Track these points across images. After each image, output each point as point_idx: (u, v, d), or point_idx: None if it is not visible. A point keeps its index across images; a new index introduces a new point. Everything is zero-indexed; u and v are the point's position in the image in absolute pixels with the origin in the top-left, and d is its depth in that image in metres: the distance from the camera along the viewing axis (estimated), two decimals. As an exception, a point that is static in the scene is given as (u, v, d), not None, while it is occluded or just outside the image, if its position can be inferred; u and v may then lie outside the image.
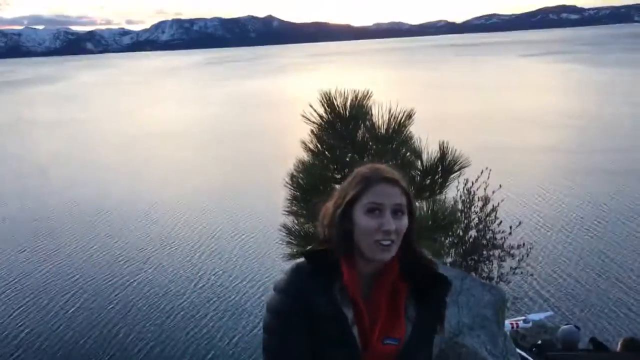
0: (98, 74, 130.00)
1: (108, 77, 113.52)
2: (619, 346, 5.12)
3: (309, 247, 1.54)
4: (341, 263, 1.47)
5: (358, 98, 5.63)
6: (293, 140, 6.01)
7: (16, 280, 14.45)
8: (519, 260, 6.27)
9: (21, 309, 12.79)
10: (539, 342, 5.56)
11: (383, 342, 1.46)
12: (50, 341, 11.30)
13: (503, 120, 34.32)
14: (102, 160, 29.35)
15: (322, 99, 5.62)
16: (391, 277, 1.50)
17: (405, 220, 1.46)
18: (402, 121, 5.46)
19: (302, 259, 1.53)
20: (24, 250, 16.60)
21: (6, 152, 33.40)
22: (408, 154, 5.60)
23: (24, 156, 31.83)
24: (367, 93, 5.67)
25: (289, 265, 1.52)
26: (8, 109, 58.16)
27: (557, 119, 33.99)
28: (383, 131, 5.56)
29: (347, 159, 5.80)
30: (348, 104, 5.60)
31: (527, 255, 6.40)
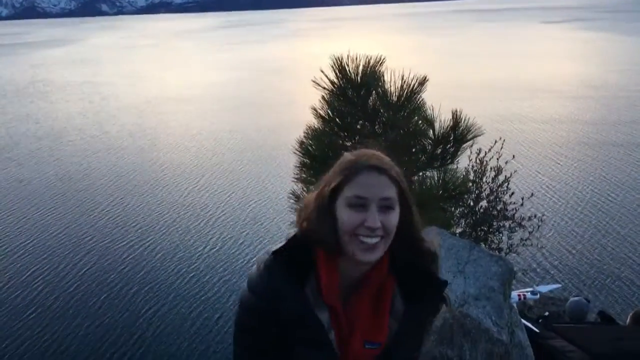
0: (112, 37, 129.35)
1: (122, 40, 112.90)
2: (628, 319, 5.07)
3: (280, 244, 1.38)
4: (319, 264, 1.32)
5: (370, 64, 5.50)
6: (305, 106, 5.93)
7: (28, 240, 14.79)
8: (529, 232, 6.22)
9: (34, 267, 13.14)
10: (546, 313, 5.56)
11: (364, 346, 1.34)
12: (60, 301, 11.60)
13: (519, 90, 33.58)
14: (115, 124, 29.50)
15: (334, 64, 5.50)
16: (379, 278, 1.34)
17: (394, 216, 1.28)
18: (414, 88, 5.33)
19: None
20: (38, 212, 16.93)
21: (21, 114, 33.70)
22: (420, 122, 5.49)
23: (39, 118, 32.10)
24: (380, 59, 5.53)
25: (262, 259, 1.38)
26: (23, 71, 58.38)
27: (575, 89, 33.16)
28: (395, 98, 5.44)
29: (358, 126, 5.73)
30: (360, 70, 5.48)
31: (538, 227, 6.34)
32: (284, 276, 1.33)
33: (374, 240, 1.26)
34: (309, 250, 1.33)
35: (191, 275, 12.49)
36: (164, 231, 15.03)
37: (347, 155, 1.35)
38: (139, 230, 15.14)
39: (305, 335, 1.32)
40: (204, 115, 31.19)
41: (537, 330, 4.54)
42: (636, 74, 37.61)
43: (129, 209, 16.79)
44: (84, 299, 11.62)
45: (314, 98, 5.60)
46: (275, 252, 1.36)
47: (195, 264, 13.00)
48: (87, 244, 14.36)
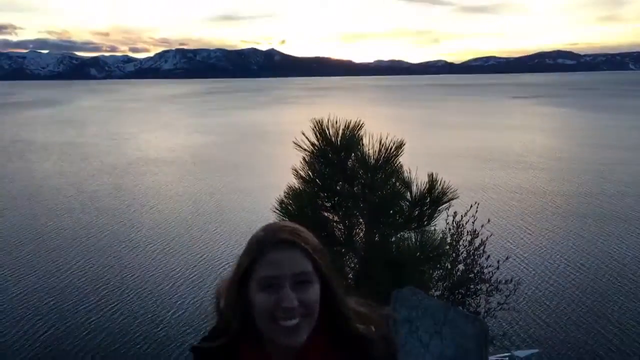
0: (99, 99, 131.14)
1: (109, 103, 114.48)
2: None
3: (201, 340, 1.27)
4: (243, 355, 1.21)
5: (350, 128, 5.71)
6: (285, 169, 6.06)
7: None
8: (506, 296, 6.25)
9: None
10: (525, 380, 5.47)
11: None
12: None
13: (492, 160, 34.70)
14: (93, 184, 29.27)
15: (315, 127, 5.70)
16: (317, 356, 1.21)
17: (313, 291, 1.17)
18: (391, 152, 5.53)
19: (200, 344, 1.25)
20: (6, 270, 16.37)
21: (1, 172, 33.32)
22: (397, 184, 5.64)
23: (15, 177, 31.73)
24: (359, 123, 5.77)
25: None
26: (6, 130, 58.34)
27: (545, 162, 34.36)
28: (373, 161, 5.62)
29: (337, 187, 5.85)
30: (340, 133, 5.68)
31: (515, 290, 6.38)
32: None
33: (294, 321, 1.13)
34: (234, 340, 1.21)
35: (158, 341, 12.02)
36: (134, 292, 14.62)
37: (258, 232, 1.24)
38: (108, 292, 14.71)
39: None
40: (185, 177, 31.25)
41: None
42: (602, 148, 39.25)
43: (99, 269, 16.36)
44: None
45: (295, 161, 5.75)
46: (193, 349, 1.24)
47: (163, 329, 12.54)
48: (55, 305, 13.84)
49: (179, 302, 14.00)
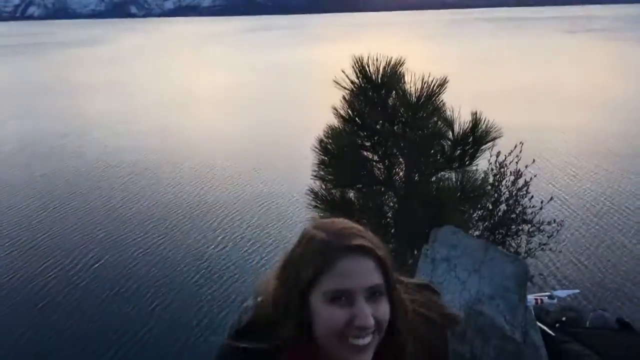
0: (140, 38, 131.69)
1: (149, 42, 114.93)
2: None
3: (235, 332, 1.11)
4: None
5: (391, 65, 5.53)
6: (326, 107, 5.99)
7: (45, 233, 15.11)
8: (548, 237, 6.18)
9: (48, 258, 13.37)
10: (564, 318, 5.50)
11: None
12: (69, 290, 11.74)
13: (538, 98, 33.17)
14: (140, 122, 30.05)
15: (355, 64, 5.56)
16: None
17: (385, 305, 1.04)
18: (434, 89, 5.36)
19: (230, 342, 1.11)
20: (57, 206, 17.25)
21: (47, 111, 34.54)
22: (439, 122, 5.51)
23: (64, 116, 32.87)
24: (400, 60, 5.57)
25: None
26: (52, 70, 59.90)
27: (593, 99, 32.57)
28: (415, 99, 5.47)
29: (378, 126, 5.77)
30: (380, 70, 5.52)
31: (557, 231, 6.28)
32: None
33: (367, 340, 1.01)
34: (280, 347, 1.07)
35: (201, 273, 12.54)
36: (178, 229, 15.20)
37: (317, 233, 1.07)
38: (153, 227, 15.32)
39: None
40: (227, 115, 31.63)
41: (553, 334, 4.49)
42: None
43: (144, 207, 17.02)
44: (93, 290, 11.75)
45: (335, 100, 5.66)
46: (230, 347, 1.09)
47: (208, 261, 13.06)
48: (102, 240, 14.54)
49: (227, 236, 14.52)
